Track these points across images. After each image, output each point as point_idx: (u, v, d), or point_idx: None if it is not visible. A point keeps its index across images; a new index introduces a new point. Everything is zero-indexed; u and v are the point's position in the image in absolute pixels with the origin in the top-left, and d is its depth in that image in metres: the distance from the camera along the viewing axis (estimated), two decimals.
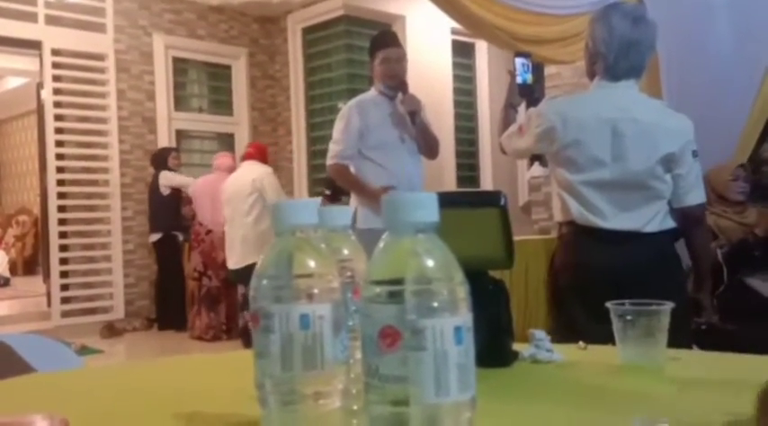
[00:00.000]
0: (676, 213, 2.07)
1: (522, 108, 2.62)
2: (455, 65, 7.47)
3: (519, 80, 2.54)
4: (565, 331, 1.98)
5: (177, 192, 6.21)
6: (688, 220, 2.11)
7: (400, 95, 3.29)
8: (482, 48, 7.61)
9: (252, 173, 5.35)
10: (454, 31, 7.05)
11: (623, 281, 1.84)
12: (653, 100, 2.18)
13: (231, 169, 6.03)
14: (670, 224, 2.06)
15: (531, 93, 2.62)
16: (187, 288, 6.10)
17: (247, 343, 3.68)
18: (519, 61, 2.54)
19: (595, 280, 1.93)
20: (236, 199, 5.29)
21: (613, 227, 2.01)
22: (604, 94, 2.09)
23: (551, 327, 2.19)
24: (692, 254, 2.21)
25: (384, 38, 3.50)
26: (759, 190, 3.89)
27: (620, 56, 2.05)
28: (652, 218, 2.02)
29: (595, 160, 2.02)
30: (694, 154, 2.05)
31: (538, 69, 2.83)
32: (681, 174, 2.04)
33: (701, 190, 2.10)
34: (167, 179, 6.20)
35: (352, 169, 3.31)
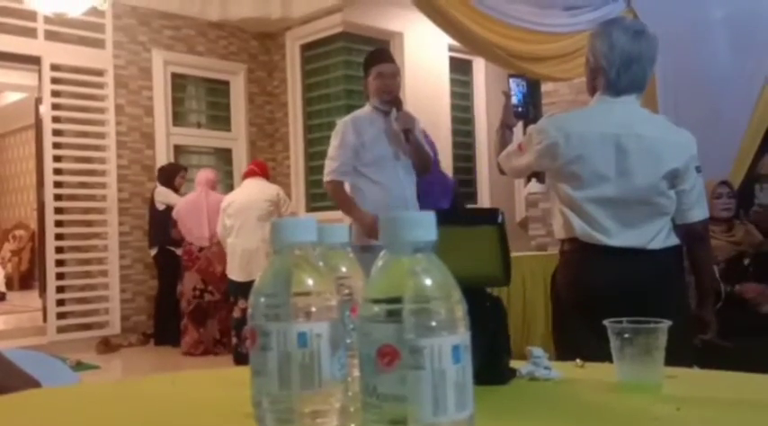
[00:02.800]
0: (679, 229, 2.05)
1: (517, 128, 2.63)
2: (453, 81, 7.51)
3: (514, 101, 2.54)
4: (569, 350, 1.95)
5: (171, 209, 6.22)
6: (692, 236, 2.09)
7: (394, 112, 3.29)
8: (480, 65, 7.65)
9: (269, 187, 5.49)
10: (452, 48, 7.09)
11: (628, 299, 1.81)
12: (655, 115, 2.17)
13: (213, 184, 6.06)
14: (674, 240, 2.04)
15: (526, 114, 2.62)
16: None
17: (238, 360, 3.56)
18: (513, 82, 2.54)
19: (600, 298, 1.90)
20: (246, 211, 5.33)
21: (618, 244, 1.99)
22: (606, 109, 2.07)
23: (555, 346, 2.16)
24: (695, 271, 2.19)
25: (378, 54, 3.53)
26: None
27: (621, 70, 2.03)
28: (656, 235, 2.00)
29: (599, 176, 2.00)
30: (698, 169, 2.04)
31: (533, 89, 2.82)
32: (684, 190, 2.02)
33: (705, 205, 2.08)
34: (161, 195, 6.22)
35: (347, 186, 3.31)
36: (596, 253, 2.01)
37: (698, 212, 2.06)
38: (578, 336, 1.95)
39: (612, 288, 1.93)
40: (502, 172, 2.34)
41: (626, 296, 1.86)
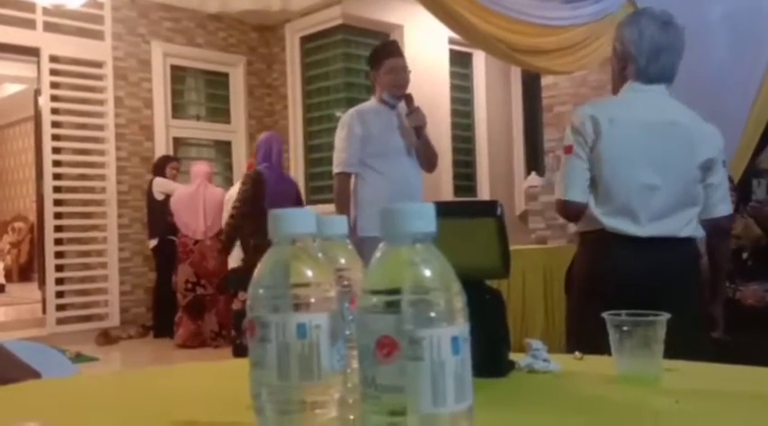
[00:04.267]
0: (705, 224, 2.03)
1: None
2: (453, 74, 7.50)
3: None
4: (588, 343, 1.84)
5: (170, 198, 6.22)
6: (717, 231, 2.07)
7: (403, 106, 3.31)
8: (480, 57, 7.64)
9: None
10: (452, 41, 7.08)
11: (655, 288, 1.84)
12: (685, 106, 2.11)
13: (209, 176, 6.06)
14: (700, 232, 2.02)
15: None
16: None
17: (237, 353, 3.55)
18: None
19: (627, 286, 1.86)
20: None
21: (647, 234, 1.96)
22: (641, 97, 2.05)
23: (569, 339, 2.10)
24: (713, 266, 2.15)
25: (389, 47, 3.52)
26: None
27: (651, 59, 2.03)
28: (687, 224, 1.99)
29: (638, 162, 1.97)
30: (724, 163, 2.03)
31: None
32: (713, 184, 2.01)
33: (730, 201, 2.07)
34: (159, 185, 6.23)
35: (353, 178, 3.32)
36: (625, 242, 1.97)
37: (725, 207, 2.04)
38: (599, 328, 1.82)
39: (641, 277, 1.91)
40: (568, 216, 2.13)
41: (653, 285, 1.87)
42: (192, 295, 5.82)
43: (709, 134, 2.01)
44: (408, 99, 3.30)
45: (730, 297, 3.19)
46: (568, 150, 2.05)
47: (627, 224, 1.97)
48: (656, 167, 1.97)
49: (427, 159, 3.40)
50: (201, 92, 7.51)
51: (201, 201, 5.83)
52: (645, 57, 2.03)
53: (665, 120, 1.99)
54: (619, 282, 1.93)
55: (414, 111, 3.29)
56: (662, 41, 2.03)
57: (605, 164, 1.99)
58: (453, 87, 7.52)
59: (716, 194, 2.01)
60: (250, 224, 4.52)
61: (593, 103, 2.21)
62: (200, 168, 6.10)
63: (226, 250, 4.83)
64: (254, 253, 4.51)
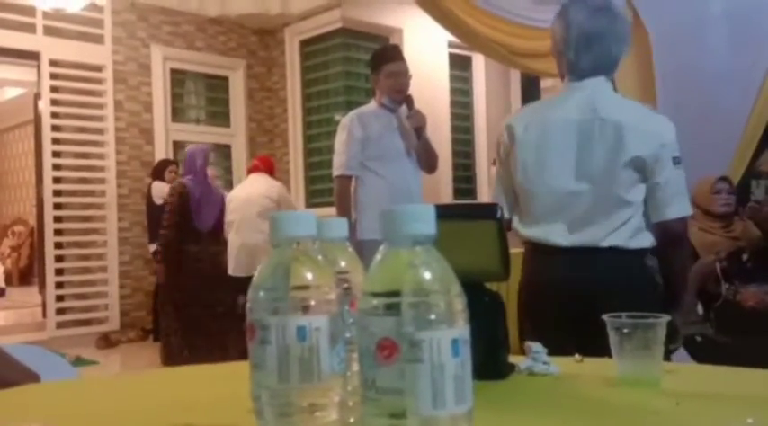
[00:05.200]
0: (654, 229, 1.84)
1: None
2: (452, 78, 7.50)
3: None
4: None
5: None
6: (666, 237, 1.84)
7: (404, 109, 3.32)
8: (479, 61, 7.64)
9: (271, 184, 5.45)
10: (451, 45, 7.08)
11: (576, 302, 1.70)
12: (628, 100, 1.95)
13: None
14: (643, 242, 1.82)
15: None
16: None
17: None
18: None
19: (545, 300, 1.79)
20: (246, 207, 5.31)
21: (568, 244, 1.81)
22: (569, 95, 1.89)
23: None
24: (666, 274, 1.89)
25: (390, 52, 3.53)
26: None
27: (580, 51, 1.85)
28: (612, 232, 1.79)
29: (558, 166, 1.83)
30: (675, 161, 1.80)
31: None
32: (658, 183, 1.79)
33: (684, 202, 1.84)
34: (158, 189, 6.22)
35: (353, 181, 3.32)
36: (545, 254, 1.84)
37: (675, 209, 1.81)
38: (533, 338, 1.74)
39: (558, 290, 1.79)
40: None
41: (574, 297, 1.73)
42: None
43: (644, 131, 1.79)
44: (409, 100, 3.31)
45: (730, 300, 3.19)
46: (494, 164, 2.00)
47: (545, 234, 1.83)
48: (578, 171, 1.82)
49: (427, 161, 3.41)
50: (201, 95, 7.52)
51: None
52: (573, 50, 1.86)
53: (593, 118, 1.81)
54: (541, 296, 1.84)
55: (413, 112, 3.30)
56: (592, 29, 1.84)
57: (518, 173, 1.89)
58: (453, 90, 7.52)
59: (663, 194, 1.80)
60: (179, 232, 4.76)
61: (520, 111, 2.09)
62: None
63: (167, 260, 4.85)
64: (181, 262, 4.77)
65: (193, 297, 4.87)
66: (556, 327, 1.74)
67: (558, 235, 1.82)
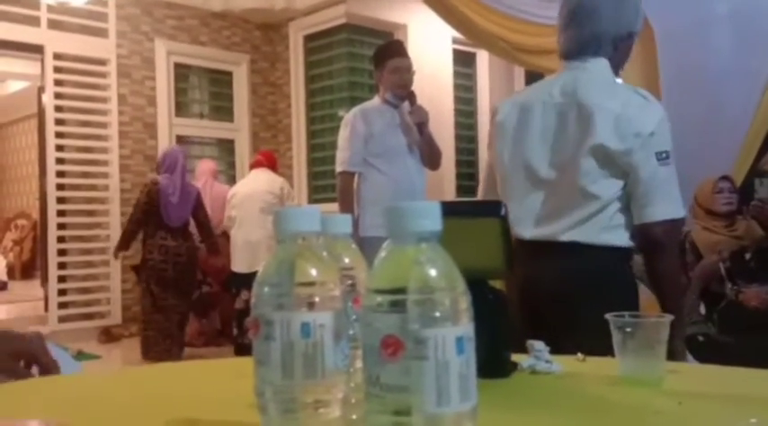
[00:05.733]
0: (635, 231, 1.68)
1: None
2: (456, 74, 7.49)
3: None
4: None
5: None
6: (644, 241, 1.66)
7: (406, 105, 3.32)
8: (483, 57, 7.63)
9: (274, 179, 5.50)
10: (455, 41, 7.07)
11: (537, 298, 1.62)
12: (619, 85, 1.77)
13: (215, 173, 6.08)
14: (614, 239, 1.66)
15: None
16: None
17: (239, 351, 3.71)
18: None
19: (511, 293, 1.66)
20: (249, 203, 5.32)
21: (530, 237, 1.68)
22: (558, 77, 1.78)
23: None
24: (652, 286, 1.74)
25: (394, 47, 3.53)
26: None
27: (571, 29, 1.75)
28: (574, 227, 1.65)
29: (536, 153, 1.72)
30: (660, 156, 1.61)
31: None
32: (637, 180, 1.62)
33: (669, 205, 1.64)
34: None
35: (356, 178, 3.33)
36: (518, 246, 1.67)
37: (656, 210, 1.62)
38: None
39: (521, 286, 1.69)
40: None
41: (534, 296, 1.63)
42: (197, 292, 5.83)
43: (620, 117, 1.62)
44: (411, 96, 3.31)
45: (733, 300, 3.19)
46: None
47: (515, 223, 1.67)
48: (552, 159, 1.70)
49: (430, 157, 3.41)
50: (205, 90, 7.51)
51: (207, 198, 5.84)
52: (564, 30, 1.76)
53: (571, 102, 1.68)
54: (510, 291, 1.70)
55: (415, 108, 3.29)
56: (583, 7, 1.73)
57: (497, 156, 1.80)
58: (457, 87, 7.51)
59: (640, 193, 1.63)
60: (141, 227, 5.09)
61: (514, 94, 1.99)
62: (205, 166, 6.11)
63: (119, 248, 5.23)
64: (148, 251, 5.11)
65: (168, 291, 5.11)
66: (523, 323, 1.66)
67: (524, 226, 1.71)
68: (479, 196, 1.98)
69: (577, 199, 1.64)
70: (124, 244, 5.21)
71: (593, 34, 1.72)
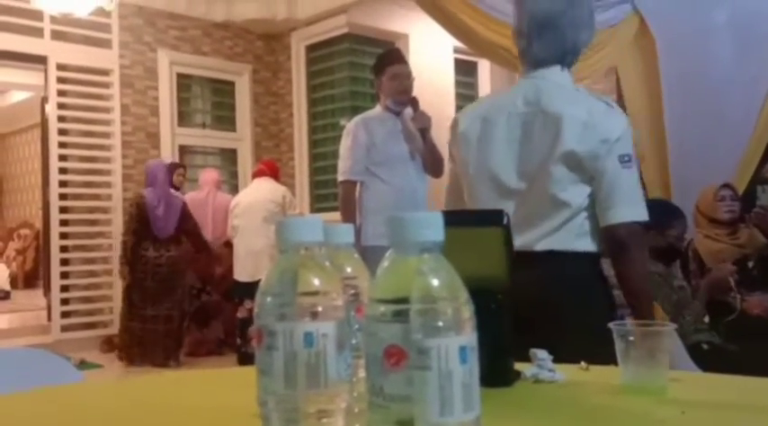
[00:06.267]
0: (601, 235, 1.68)
1: None
2: (458, 83, 7.50)
3: None
4: None
5: None
6: (611, 244, 1.67)
7: (409, 112, 3.32)
8: (485, 66, 7.64)
9: (276, 188, 5.51)
10: (457, 50, 7.08)
11: (517, 309, 1.58)
12: (581, 92, 1.76)
13: (218, 183, 6.09)
14: (587, 246, 1.67)
15: None
16: None
17: (242, 361, 3.75)
18: None
19: None
20: (252, 212, 5.33)
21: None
22: (520, 86, 1.77)
23: None
24: (623, 290, 1.73)
25: (393, 55, 3.54)
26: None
27: (532, 37, 1.72)
28: (548, 235, 1.65)
29: (503, 162, 1.72)
30: (623, 159, 1.64)
31: None
32: (601, 184, 1.64)
33: (632, 207, 1.66)
34: None
35: (358, 187, 3.32)
36: None
37: (620, 212, 1.64)
38: None
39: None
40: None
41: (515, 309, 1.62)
42: (197, 301, 5.83)
43: (585, 123, 1.63)
44: (414, 102, 3.31)
45: (736, 308, 3.18)
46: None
47: None
48: (520, 169, 1.70)
49: (433, 164, 3.40)
50: (207, 100, 7.54)
51: (210, 208, 5.85)
52: (526, 38, 1.73)
53: (536, 111, 1.68)
54: None
55: (418, 114, 3.29)
56: (547, 14, 1.71)
57: (462, 168, 1.80)
58: (458, 96, 7.52)
59: (605, 196, 1.64)
60: (137, 238, 5.32)
61: (471, 105, 1.94)
62: (209, 175, 6.12)
63: (127, 262, 5.35)
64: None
65: (150, 299, 5.30)
66: None
67: None
68: (444, 206, 1.96)
69: (548, 207, 1.66)
70: (128, 258, 5.34)
71: (562, 43, 1.73)
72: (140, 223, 5.30)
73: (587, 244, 1.67)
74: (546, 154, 1.65)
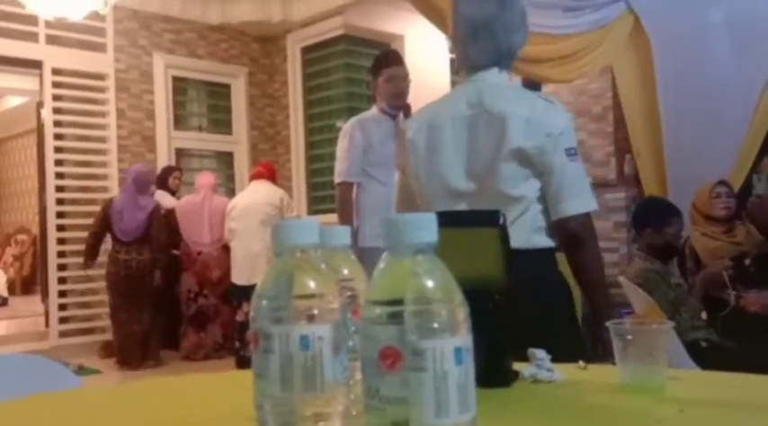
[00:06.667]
0: (554, 228, 1.72)
1: None
2: (453, 84, 7.50)
3: None
4: None
5: (170, 212, 6.19)
6: (564, 236, 1.71)
7: (402, 117, 3.32)
8: None
9: (273, 191, 5.51)
10: (453, 51, 7.09)
11: None
12: (520, 91, 1.84)
13: (214, 187, 6.08)
14: (538, 241, 1.70)
15: None
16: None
17: (241, 364, 3.78)
18: None
19: None
20: (249, 215, 5.32)
21: None
22: (461, 89, 1.82)
23: None
24: (577, 280, 1.76)
25: (389, 56, 3.53)
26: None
27: (468, 41, 1.77)
28: None
29: (452, 166, 1.75)
30: (569, 152, 1.68)
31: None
32: (550, 178, 1.68)
33: (582, 199, 1.70)
34: (161, 197, 6.19)
35: (355, 188, 3.32)
36: None
37: (571, 204, 1.68)
38: None
39: None
40: None
41: None
42: (194, 305, 5.82)
43: (529, 120, 1.67)
44: (407, 109, 3.31)
45: (734, 305, 3.19)
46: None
47: None
48: (468, 170, 1.73)
49: None
50: (203, 103, 7.53)
51: (206, 212, 5.84)
52: (463, 42, 1.78)
53: (480, 113, 1.72)
54: None
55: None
56: (480, 17, 1.75)
57: (413, 175, 1.83)
58: None
59: (555, 189, 1.68)
60: (98, 239, 5.62)
61: (417, 112, 1.98)
62: (205, 179, 6.11)
63: (86, 257, 5.67)
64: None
65: (122, 300, 5.52)
66: None
67: None
68: (395, 208, 1.99)
69: (499, 205, 1.62)
70: (86, 254, 5.63)
71: (498, 46, 1.77)
72: (102, 226, 5.56)
73: (542, 240, 1.71)
74: (493, 153, 1.69)
